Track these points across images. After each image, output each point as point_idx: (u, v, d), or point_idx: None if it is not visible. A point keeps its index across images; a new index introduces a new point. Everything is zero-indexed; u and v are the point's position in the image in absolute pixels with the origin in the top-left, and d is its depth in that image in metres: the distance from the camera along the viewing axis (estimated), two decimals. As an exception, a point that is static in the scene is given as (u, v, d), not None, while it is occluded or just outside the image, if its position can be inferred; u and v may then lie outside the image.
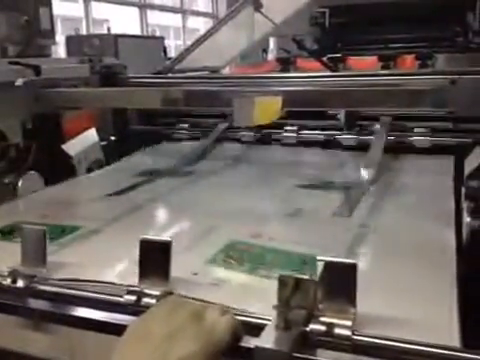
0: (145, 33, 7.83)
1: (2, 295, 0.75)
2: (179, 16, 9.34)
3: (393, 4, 3.94)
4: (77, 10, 6.92)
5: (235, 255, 0.85)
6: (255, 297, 0.71)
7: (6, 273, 0.76)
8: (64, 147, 1.46)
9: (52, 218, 1.05)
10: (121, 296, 0.70)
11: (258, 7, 1.99)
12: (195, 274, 0.78)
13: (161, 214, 1.23)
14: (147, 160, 1.63)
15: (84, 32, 6.55)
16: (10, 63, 1.39)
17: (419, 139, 1.44)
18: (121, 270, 0.83)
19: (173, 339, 0.56)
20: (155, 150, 1.73)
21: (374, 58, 2.31)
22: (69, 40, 5.30)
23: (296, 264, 0.81)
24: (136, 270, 0.71)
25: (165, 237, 0.73)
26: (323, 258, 0.63)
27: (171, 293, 0.69)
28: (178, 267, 0.73)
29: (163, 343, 0.56)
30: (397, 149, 1.45)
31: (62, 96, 1.30)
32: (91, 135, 1.56)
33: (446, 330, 0.61)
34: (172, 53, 6.67)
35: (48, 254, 0.77)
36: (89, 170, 1.52)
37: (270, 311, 0.60)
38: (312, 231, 0.97)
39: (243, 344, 0.61)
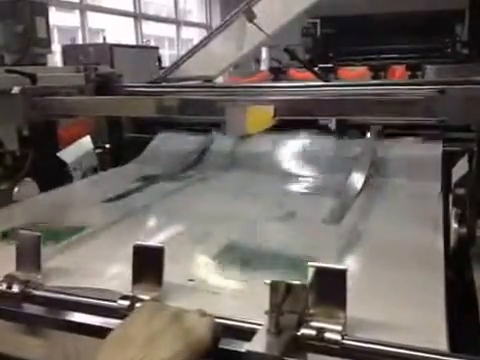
0: (140, 43, 7.87)
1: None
2: (173, 27, 9.39)
3: (383, 16, 3.99)
4: (73, 20, 6.94)
5: (230, 259, 0.86)
6: (250, 302, 0.71)
7: (1, 278, 0.77)
8: (59, 154, 1.47)
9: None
10: (115, 301, 0.71)
11: (251, 18, 2.01)
12: (191, 280, 0.79)
13: (157, 219, 1.24)
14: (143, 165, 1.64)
15: (80, 41, 6.57)
16: (7, 71, 1.39)
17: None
18: (116, 275, 0.83)
19: (154, 341, 0.57)
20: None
21: (364, 68, 2.34)
22: (65, 49, 5.33)
23: (290, 268, 0.81)
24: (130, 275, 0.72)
25: (158, 243, 0.74)
26: (314, 264, 0.63)
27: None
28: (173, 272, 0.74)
29: (145, 346, 0.57)
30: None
31: (58, 104, 1.30)
32: (86, 143, 1.57)
33: (434, 334, 0.62)
34: (166, 63, 6.69)
35: (43, 258, 0.78)
36: (84, 177, 1.53)
37: (263, 316, 0.61)
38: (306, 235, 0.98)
39: (235, 349, 0.61)
